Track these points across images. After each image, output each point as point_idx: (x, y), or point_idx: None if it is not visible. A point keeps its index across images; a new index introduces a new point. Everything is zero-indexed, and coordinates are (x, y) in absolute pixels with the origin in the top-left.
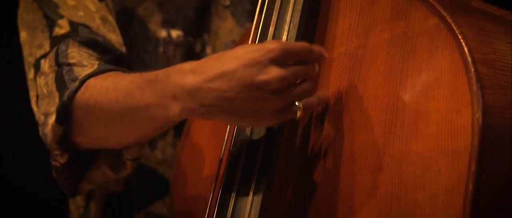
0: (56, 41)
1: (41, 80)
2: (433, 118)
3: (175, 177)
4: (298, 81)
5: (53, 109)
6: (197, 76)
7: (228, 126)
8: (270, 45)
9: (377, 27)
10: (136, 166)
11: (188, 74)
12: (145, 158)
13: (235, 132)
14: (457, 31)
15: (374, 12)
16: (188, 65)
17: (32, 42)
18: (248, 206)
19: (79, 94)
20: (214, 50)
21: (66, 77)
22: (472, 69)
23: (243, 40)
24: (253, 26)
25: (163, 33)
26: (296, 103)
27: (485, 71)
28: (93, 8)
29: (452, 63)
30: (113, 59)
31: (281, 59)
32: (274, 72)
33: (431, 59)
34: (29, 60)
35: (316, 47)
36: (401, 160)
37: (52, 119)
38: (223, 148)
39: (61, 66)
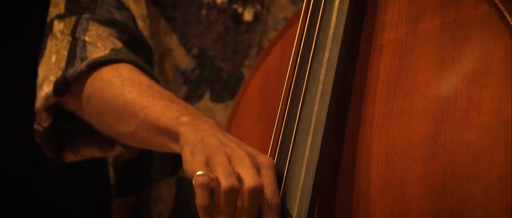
0: (71, 2)
1: (51, 44)
2: (485, 107)
3: None
4: None
5: (52, 77)
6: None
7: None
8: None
9: (427, 14)
10: None
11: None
12: None
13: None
14: (509, 19)
15: None
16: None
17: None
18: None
19: (89, 80)
20: (265, 25)
21: (78, 54)
22: None
23: (292, 21)
24: (303, 9)
25: None
26: None
27: None
28: None
29: (504, 52)
30: (130, 39)
31: None
32: None
33: (483, 48)
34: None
35: None
36: (453, 149)
37: (49, 88)
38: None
39: (76, 40)
